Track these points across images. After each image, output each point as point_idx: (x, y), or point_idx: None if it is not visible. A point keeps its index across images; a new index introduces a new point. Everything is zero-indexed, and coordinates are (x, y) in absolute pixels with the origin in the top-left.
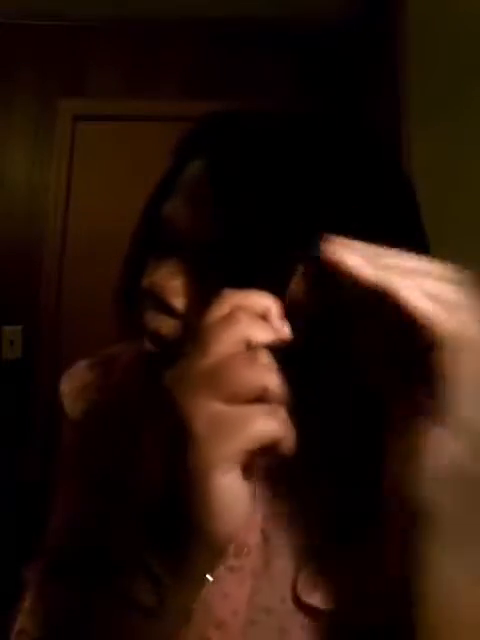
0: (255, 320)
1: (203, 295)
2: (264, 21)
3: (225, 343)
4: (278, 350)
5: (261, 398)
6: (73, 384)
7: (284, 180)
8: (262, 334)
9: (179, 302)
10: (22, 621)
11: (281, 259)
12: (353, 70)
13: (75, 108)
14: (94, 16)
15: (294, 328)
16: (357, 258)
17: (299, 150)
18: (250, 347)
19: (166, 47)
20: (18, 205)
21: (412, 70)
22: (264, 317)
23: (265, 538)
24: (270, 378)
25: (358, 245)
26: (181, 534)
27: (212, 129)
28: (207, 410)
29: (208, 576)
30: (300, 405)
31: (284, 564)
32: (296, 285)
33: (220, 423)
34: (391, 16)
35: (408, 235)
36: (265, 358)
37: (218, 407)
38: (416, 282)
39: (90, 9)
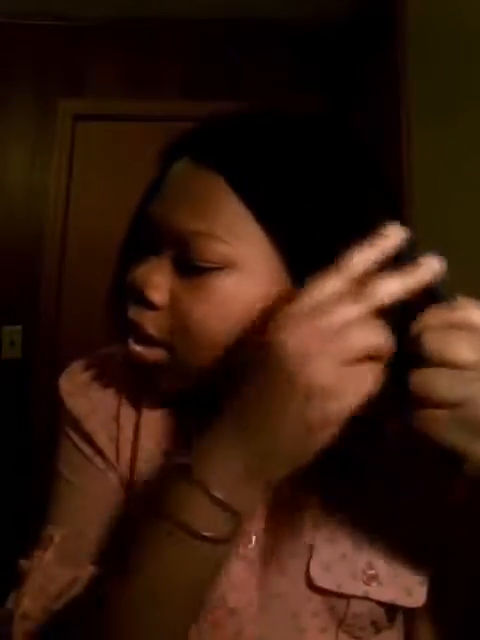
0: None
1: (182, 289)
2: (264, 21)
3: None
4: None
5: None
6: (74, 382)
7: (281, 173)
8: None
9: (158, 296)
10: (26, 605)
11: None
12: (353, 70)
13: (75, 108)
14: (94, 16)
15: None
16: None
17: (284, 147)
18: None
19: (166, 47)
20: (18, 205)
21: (412, 70)
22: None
23: (269, 525)
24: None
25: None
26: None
27: (195, 133)
28: (332, 369)
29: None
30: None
31: (292, 549)
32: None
33: (341, 380)
34: (391, 15)
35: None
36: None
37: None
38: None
39: (90, 9)
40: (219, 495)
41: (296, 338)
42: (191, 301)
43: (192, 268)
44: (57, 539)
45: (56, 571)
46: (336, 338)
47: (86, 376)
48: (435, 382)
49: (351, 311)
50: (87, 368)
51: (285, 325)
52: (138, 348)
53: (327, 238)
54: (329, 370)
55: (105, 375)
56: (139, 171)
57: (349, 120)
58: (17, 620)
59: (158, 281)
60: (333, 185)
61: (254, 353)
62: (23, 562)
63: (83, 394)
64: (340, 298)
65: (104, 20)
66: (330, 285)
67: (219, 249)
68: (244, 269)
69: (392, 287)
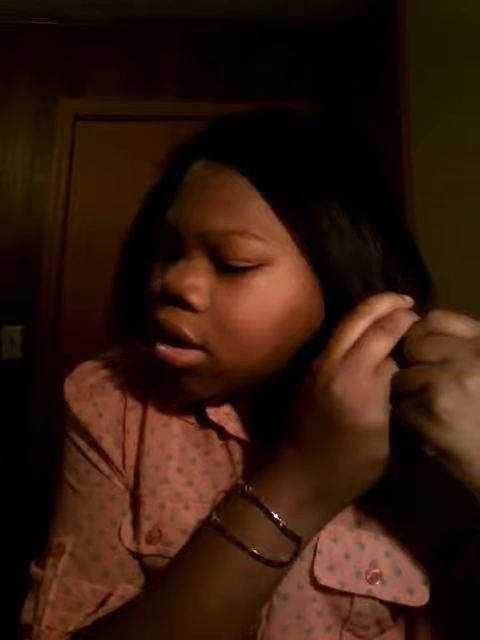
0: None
1: (220, 290)
2: (263, 21)
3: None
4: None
5: None
6: (79, 386)
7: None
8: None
9: (198, 298)
10: (48, 616)
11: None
12: (353, 70)
13: (75, 108)
14: (94, 16)
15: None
16: None
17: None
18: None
19: (166, 47)
20: (18, 205)
21: (411, 70)
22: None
23: None
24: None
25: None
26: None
27: (211, 135)
28: (382, 408)
29: None
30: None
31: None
32: None
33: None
34: (391, 16)
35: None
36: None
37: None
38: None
39: (90, 9)
40: (282, 520)
41: (348, 386)
42: (230, 301)
43: (229, 268)
44: (69, 548)
45: (73, 581)
46: (379, 379)
47: (91, 380)
48: (405, 376)
49: (384, 346)
50: (91, 371)
51: (335, 374)
52: (170, 351)
53: (347, 235)
54: (380, 411)
55: (110, 378)
56: (139, 171)
57: (349, 120)
58: (42, 631)
59: (196, 283)
60: (350, 183)
61: (308, 394)
62: (36, 570)
63: (88, 398)
64: (370, 335)
65: (104, 20)
66: (360, 326)
67: (255, 246)
68: (277, 266)
69: (409, 319)
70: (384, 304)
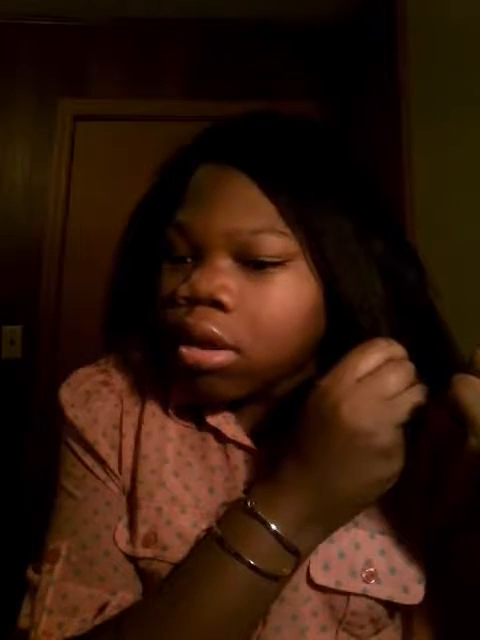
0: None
1: (249, 290)
2: (264, 21)
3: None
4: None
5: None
6: (74, 392)
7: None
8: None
9: (229, 298)
10: (45, 622)
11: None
12: (353, 70)
13: (75, 108)
14: (94, 16)
15: None
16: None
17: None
18: None
19: (166, 47)
20: (18, 205)
21: (411, 70)
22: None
23: None
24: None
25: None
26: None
27: (218, 138)
28: (391, 433)
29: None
30: None
31: None
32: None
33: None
34: (391, 16)
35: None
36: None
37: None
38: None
39: (90, 9)
40: (282, 534)
41: (360, 409)
42: (260, 299)
43: (256, 266)
44: (64, 552)
45: (69, 586)
46: (392, 405)
47: (86, 386)
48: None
49: (401, 379)
50: (87, 377)
51: (346, 396)
52: (200, 353)
53: (345, 236)
54: (390, 435)
55: (105, 383)
56: (139, 171)
57: (349, 120)
58: (39, 637)
59: (226, 283)
60: (350, 185)
61: (314, 413)
62: (32, 575)
63: (84, 404)
64: (390, 367)
65: (104, 20)
66: (375, 358)
67: (283, 242)
68: (298, 262)
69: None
70: (399, 348)
